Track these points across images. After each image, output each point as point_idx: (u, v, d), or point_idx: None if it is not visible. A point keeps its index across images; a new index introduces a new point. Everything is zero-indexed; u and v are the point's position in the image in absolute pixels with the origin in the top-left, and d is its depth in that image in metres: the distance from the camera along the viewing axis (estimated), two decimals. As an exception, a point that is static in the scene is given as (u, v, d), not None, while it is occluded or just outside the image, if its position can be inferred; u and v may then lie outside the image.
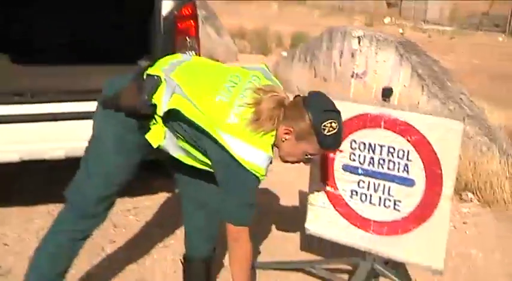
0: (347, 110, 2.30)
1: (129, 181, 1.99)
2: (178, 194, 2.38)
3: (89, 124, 1.94)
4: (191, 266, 2.31)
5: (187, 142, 1.85)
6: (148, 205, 3.26)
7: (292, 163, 1.92)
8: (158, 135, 1.86)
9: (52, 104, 2.64)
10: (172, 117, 1.80)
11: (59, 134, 2.66)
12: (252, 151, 1.75)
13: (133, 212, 3.08)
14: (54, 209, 2.86)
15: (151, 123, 1.85)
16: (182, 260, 2.36)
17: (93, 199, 1.94)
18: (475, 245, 2.99)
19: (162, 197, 3.36)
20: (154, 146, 1.87)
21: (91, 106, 2.00)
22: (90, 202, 1.94)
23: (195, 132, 1.80)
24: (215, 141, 1.75)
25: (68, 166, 2.13)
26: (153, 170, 2.21)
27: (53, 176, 3.16)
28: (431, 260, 2.19)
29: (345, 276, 2.54)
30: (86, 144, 1.96)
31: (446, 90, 4.19)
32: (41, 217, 2.92)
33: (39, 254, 1.98)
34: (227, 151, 1.74)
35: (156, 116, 1.82)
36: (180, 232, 2.70)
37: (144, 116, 1.83)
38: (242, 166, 1.74)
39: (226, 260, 2.75)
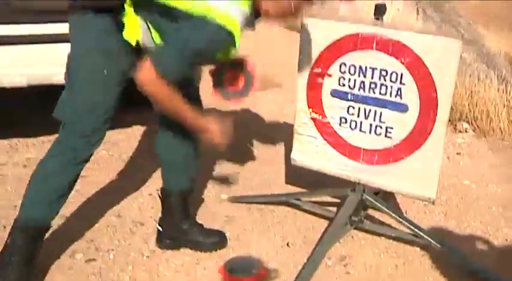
0: (336, 30, 2.23)
1: (118, 98, 1.97)
2: (151, 128, 2.34)
3: None
4: (169, 201, 2.32)
5: (161, 33, 1.87)
6: (122, 138, 3.21)
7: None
8: (134, 31, 1.87)
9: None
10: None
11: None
12: (227, 3, 1.76)
13: (105, 147, 3.03)
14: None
15: (124, 16, 1.86)
16: (160, 194, 2.36)
17: (84, 113, 1.93)
18: (469, 176, 3.02)
19: (135, 130, 3.31)
20: (133, 42, 1.88)
21: None
22: (81, 116, 1.93)
23: (166, 11, 1.80)
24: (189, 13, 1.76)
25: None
26: (125, 105, 2.19)
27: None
28: (423, 189, 2.19)
29: (333, 209, 2.56)
30: None
31: (442, 12, 4.09)
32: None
33: (34, 178, 1.99)
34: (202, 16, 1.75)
35: (126, 7, 1.85)
36: (155, 166, 2.68)
37: (112, 7, 1.84)
38: (217, 24, 1.74)
39: (208, 195, 2.76)
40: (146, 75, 1.78)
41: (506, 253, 2.38)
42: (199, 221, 2.47)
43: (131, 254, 2.26)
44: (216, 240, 2.33)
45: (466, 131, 3.49)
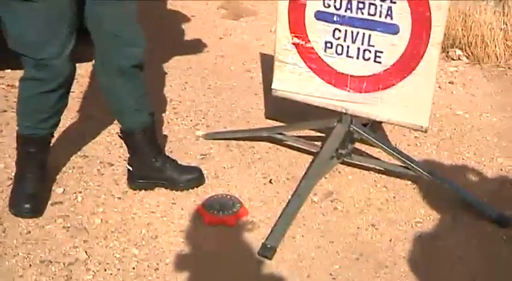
0: None
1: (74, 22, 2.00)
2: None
3: None
4: (132, 139, 2.31)
5: None
6: (82, 74, 3.14)
7: None
8: None
9: None
10: None
11: None
12: None
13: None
14: None
15: None
16: (120, 135, 2.34)
17: (36, 40, 1.96)
18: (462, 106, 3.05)
19: (83, 67, 3.22)
20: None
21: None
22: (34, 44, 1.97)
23: None
24: None
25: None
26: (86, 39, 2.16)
27: None
28: (415, 117, 2.20)
29: (318, 143, 2.57)
30: None
31: None
32: None
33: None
34: None
35: None
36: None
37: None
38: None
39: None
40: None
41: (501, 183, 2.45)
42: (174, 160, 2.49)
43: (101, 196, 2.26)
44: (193, 176, 2.34)
45: (459, 59, 3.50)
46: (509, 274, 1.99)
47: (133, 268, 1.93)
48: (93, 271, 1.91)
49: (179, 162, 2.37)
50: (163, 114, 2.84)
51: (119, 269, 1.92)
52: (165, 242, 2.05)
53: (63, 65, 2.05)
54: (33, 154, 2.20)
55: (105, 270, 1.92)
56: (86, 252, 1.98)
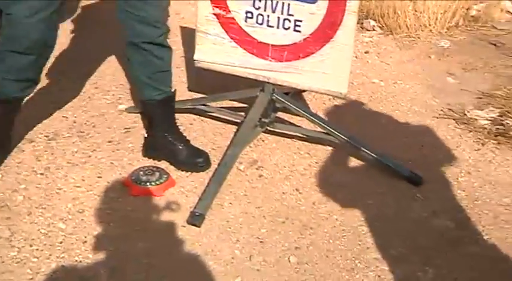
0: None
1: None
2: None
3: None
4: (145, 109, 2.40)
5: None
6: None
7: None
8: None
9: None
10: None
11: None
12: None
13: None
14: None
15: None
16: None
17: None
18: (377, 75, 3.16)
19: None
20: None
21: None
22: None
23: None
24: None
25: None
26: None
27: None
28: (334, 84, 2.26)
29: (243, 113, 2.59)
30: None
31: None
32: None
33: None
34: None
35: None
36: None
37: None
38: None
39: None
40: None
41: (414, 145, 2.57)
42: (96, 134, 2.44)
43: (22, 173, 2.19)
44: (198, 160, 2.31)
45: (373, 29, 3.61)
46: (420, 228, 2.10)
47: (61, 242, 1.89)
48: (17, 247, 1.86)
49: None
50: (85, 89, 2.77)
51: (45, 244, 1.88)
52: (92, 216, 2.02)
53: (32, 28, 2.03)
54: None
55: (31, 246, 1.87)
56: (9, 229, 1.92)
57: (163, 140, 2.32)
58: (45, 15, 2.04)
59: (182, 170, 2.28)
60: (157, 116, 2.34)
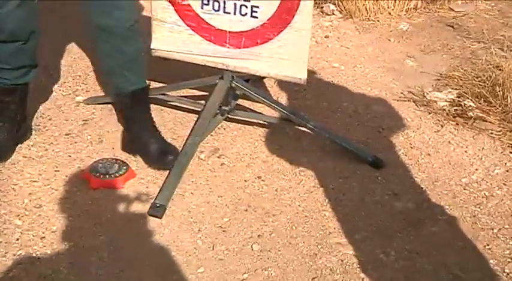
0: None
1: None
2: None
3: None
4: (117, 101, 2.38)
5: None
6: None
7: None
8: None
9: None
10: None
11: None
12: None
13: None
14: None
15: None
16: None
17: None
18: (337, 59, 3.16)
19: None
20: None
21: None
22: None
23: None
24: None
25: None
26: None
27: None
28: (294, 70, 2.24)
29: (202, 102, 2.56)
30: None
31: None
32: None
33: None
34: None
35: None
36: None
37: None
38: None
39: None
40: None
41: (375, 128, 2.58)
42: (53, 127, 2.39)
43: (-24, 169, 2.14)
44: (168, 159, 2.23)
45: (333, 13, 3.61)
46: (382, 211, 2.12)
47: (17, 239, 1.85)
48: (-28, 246, 1.82)
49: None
50: (40, 81, 2.68)
51: (1, 241, 1.84)
52: (50, 211, 1.98)
53: (7, 17, 2.05)
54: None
55: (-14, 244, 1.83)
56: (-37, 228, 1.88)
57: (134, 134, 2.29)
58: (16, 4, 2.04)
59: (150, 167, 2.23)
60: (129, 109, 2.29)
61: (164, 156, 2.24)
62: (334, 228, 2.03)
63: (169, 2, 2.29)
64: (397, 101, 2.79)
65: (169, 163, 2.19)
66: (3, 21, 2.07)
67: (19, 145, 2.27)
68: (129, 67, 2.25)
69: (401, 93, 2.86)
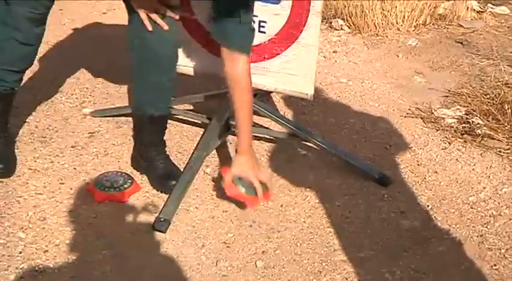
0: None
1: None
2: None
3: None
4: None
5: None
6: None
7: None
8: None
9: None
10: None
11: None
12: None
13: None
14: None
15: None
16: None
17: None
18: (345, 74, 3.17)
19: None
20: None
21: None
22: None
23: None
24: None
25: None
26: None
27: None
28: (300, 85, 2.25)
29: (209, 115, 2.57)
30: None
31: None
32: None
33: None
34: None
35: None
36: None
37: None
38: None
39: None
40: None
41: (382, 145, 2.58)
42: (59, 139, 2.40)
43: (-20, 182, 2.15)
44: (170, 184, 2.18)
45: (341, 29, 3.62)
46: (388, 229, 2.11)
47: (20, 252, 1.84)
48: (-25, 259, 1.82)
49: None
50: (47, 93, 2.71)
51: (4, 254, 1.83)
52: (53, 224, 1.98)
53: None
54: None
55: (-11, 257, 1.83)
56: (-35, 240, 1.88)
57: (143, 153, 2.27)
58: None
59: (155, 189, 2.21)
60: (146, 130, 2.26)
61: (167, 180, 2.20)
62: (339, 245, 2.02)
63: (178, 18, 2.31)
64: (405, 117, 2.79)
65: (170, 188, 2.15)
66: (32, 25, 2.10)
67: (24, 157, 2.28)
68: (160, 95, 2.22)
69: (409, 109, 2.85)
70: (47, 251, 1.87)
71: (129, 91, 2.80)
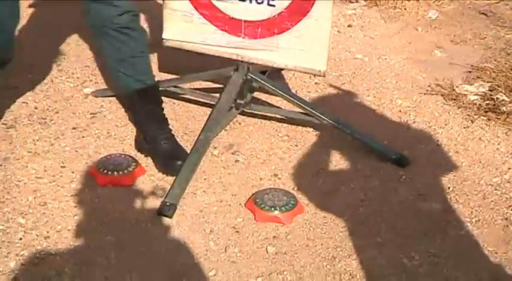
0: None
1: None
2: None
3: None
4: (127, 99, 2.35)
5: None
6: None
7: None
8: None
9: None
10: None
11: None
12: None
13: None
14: None
15: None
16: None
17: None
18: (361, 49, 3.14)
19: None
20: None
21: None
22: None
23: None
24: None
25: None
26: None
27: None
28: (312, 61, 2.23)
29: (216, 95, 2.55)
30: None
31: None
32: None
33: None
34: None
35: None
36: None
37: None
38: None
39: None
40: None
41: (400, 124, 2.56)
42: (59, 121, 2.41)
43: (-22, 165, 2.17)
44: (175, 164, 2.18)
45: (357, 1, 3.58)
46: (406, 212, 2.10)
47: (20, 239, 1.86)
48: (-27, 246, 1.84)
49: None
50: (46, 72, 2.72)
51: (3, 241, 1.85)
52: (55, 209, 1.99)
53: None
54: None
55: (-12, 244, 1.85)
56: (-36, 227, 1.90)
57: (146, 133, 2.28)
58: None
59: (160, 172, 2.21)
60: (139, 107, 2.29)
61: (172, 160, 2.20)
62: (354, 230, 2.01)
63: (182, -11, 2.29)
64: (424, 94, 2.76)
65: (175, 169, 2.15)
66: None
67: (23, 139, 2.29)
68: (129, 66, 2.24)
69: (429, 86, 2.83)
70: (48, 237, 1.88)
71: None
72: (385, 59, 3.06)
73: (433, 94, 2.76)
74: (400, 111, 2.64)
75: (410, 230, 2.01)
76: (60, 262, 1.80)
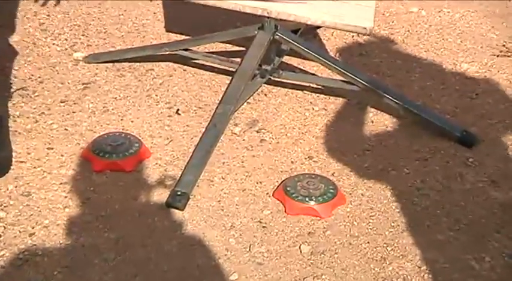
0: None
1: None
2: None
3: None
4: None
5: None
6: None
7: None
8: None
9: None
10: None
11: None
12: None
13: None
14: None
15: None
16: None
17: None
18: (417, 1, 3.16)
19: None
20: None
21: None
22: None
23: None
24: None
25: None
26: None
27: None
28: (356, 17, 2.23)
29: (237, 60, 2.58)
30: None
31: None
32: None
33: None
34: None
35: None
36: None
37: None
38: None
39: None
40: None
41: (467, 94, 2.56)
42: (45, 93, 2.45)
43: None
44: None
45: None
46: (474, 203, 2.10)
47: (0, 236, 1.90)
48: None
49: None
50: (28, 34, 2.77)
51: (-20, 238, 1.90)
52: (40, 200, 2.02)
53: None
54: None
55: (-38, 242, 1.90)
56: None
57: None
58: None
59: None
60: None
61: None
62: (409, 225, 2.02)
63: None
64: (497, 56, 2.77)
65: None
66: None
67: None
68: None
69: (503, 46, 2.83)
70: (33, 234, 1.91)
71: (133, 30, 2.83)
72: (447, 12, 3.08)
73: (507, 56, 2.77)
74: (466, 78, 2.66)
75: (479, 226, 2.02)
76: (48, 263, 1.83)
